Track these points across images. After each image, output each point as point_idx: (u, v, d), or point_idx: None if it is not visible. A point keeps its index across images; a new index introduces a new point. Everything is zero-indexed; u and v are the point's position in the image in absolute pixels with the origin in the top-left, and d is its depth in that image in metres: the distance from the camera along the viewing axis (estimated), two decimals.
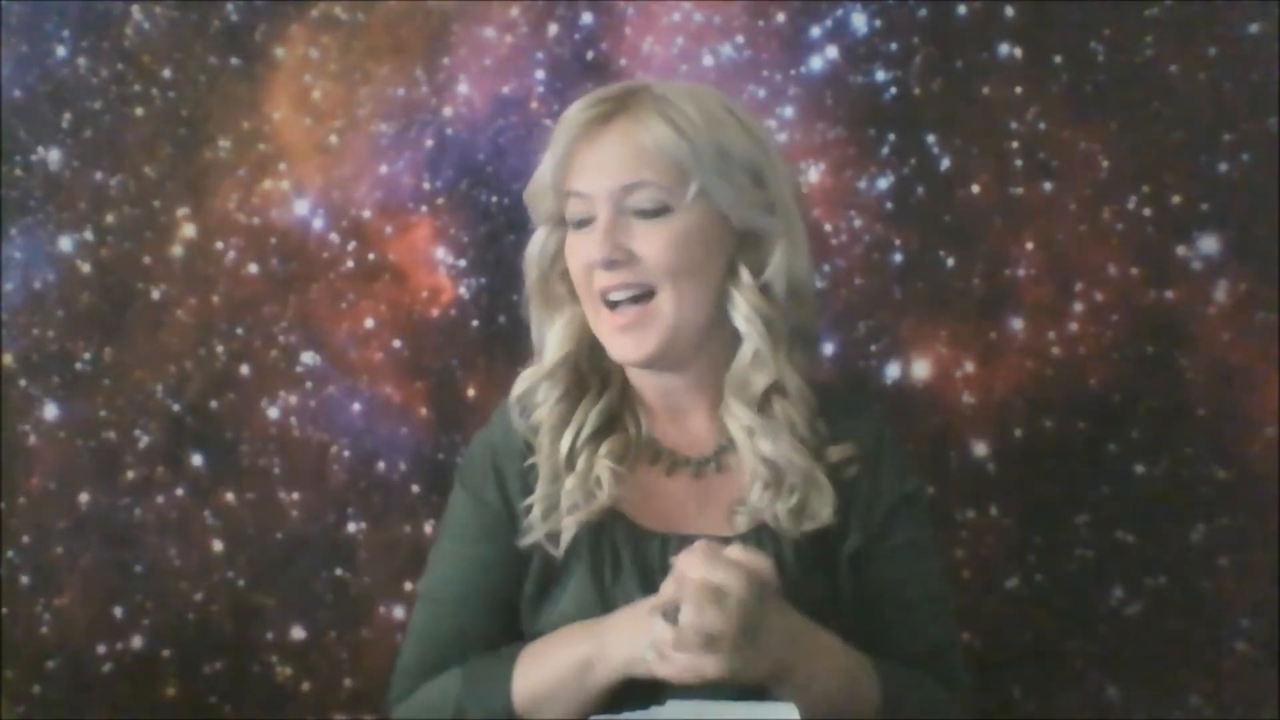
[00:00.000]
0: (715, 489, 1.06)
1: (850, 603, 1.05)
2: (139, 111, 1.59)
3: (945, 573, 1.13)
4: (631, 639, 0.95)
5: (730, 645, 0.87)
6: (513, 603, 1.07)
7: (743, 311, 1.03)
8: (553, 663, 1.00)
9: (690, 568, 0.89)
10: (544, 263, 1.08)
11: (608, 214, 1.00)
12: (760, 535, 1.03)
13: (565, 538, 1.03)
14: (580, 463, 1.04)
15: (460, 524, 1.10)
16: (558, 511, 1.04)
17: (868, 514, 1.05)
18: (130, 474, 1.60)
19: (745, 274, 1.03)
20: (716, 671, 0.88)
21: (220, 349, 1.59)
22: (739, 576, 0.88)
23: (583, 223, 1.03)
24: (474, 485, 1.10)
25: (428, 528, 1.56)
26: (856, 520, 1.04)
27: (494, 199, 1.53)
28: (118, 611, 1.61)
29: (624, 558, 1.03)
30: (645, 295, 1.01)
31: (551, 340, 1.08)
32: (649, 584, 1.00)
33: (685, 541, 0.96)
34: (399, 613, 1.57)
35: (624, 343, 1.02)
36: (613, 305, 1.02)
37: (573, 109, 1.04)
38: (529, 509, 1.05)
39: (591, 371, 1.07)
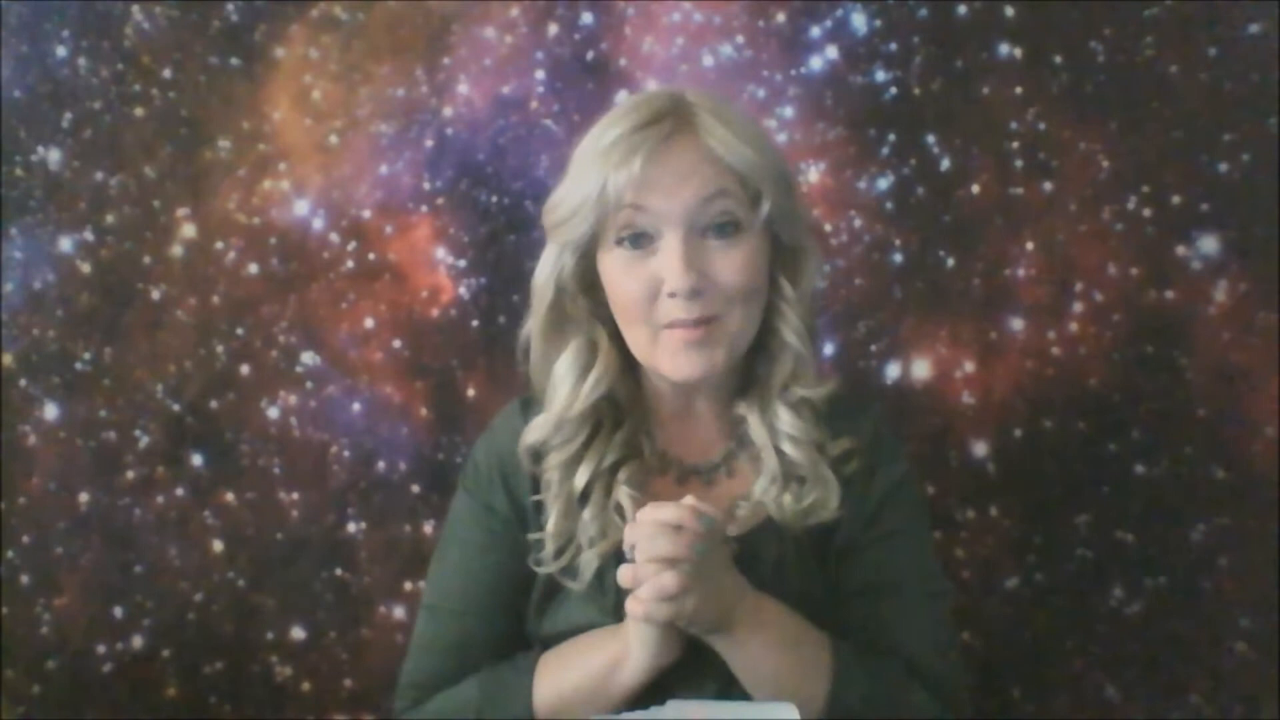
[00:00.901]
0: (725, 494, 1.06)
1: (840, 596, 1.04)
2: (139, 111, 1.59)
3: (939, 572, 1.11)
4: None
5: (688, 576, 0.90)
6: (520, 609, 1.07)
7: (792, 325, 1.02)
8: (577, 667, 1.00)
9: (644, 511, 0.92)
10: (561, 283, 1.02)
11: (682, 235, 0.96)
12: (764, 532, 1.03)
13: (587, 573, 1.02)
14: (595, 494, 1.02)
15: (466, 532, 1.09)
16: (573, 545, 1.02)
17: (859, 505, 1.04)
18: (130, 474, 1.60)
19: (787, 287, 1.03)
20: (677, 598, 0.90)
21: (220, 349, 1.59)
22: (686, 511, 0.91)
23: (637, 241, 0.98)
24: (480, 492, 1.08)
25: (428, 528, 1.56)
26: (849, 513, 1.04)
27: (494, 199, 1.53)
28: (118, 611, 1.61)
29: None
30: (712, 316, 0.98)
31: (564, 378, 1.03)
32: None
33: None
34: (399, 613, 1.57)
35: (691, 360, 0.98)
36: (673, 324, 0.98)
37: (623, 125, 0.97)
38: (540, 543, 1.04)
39: (608, 404, 1.04)
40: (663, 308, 0.97)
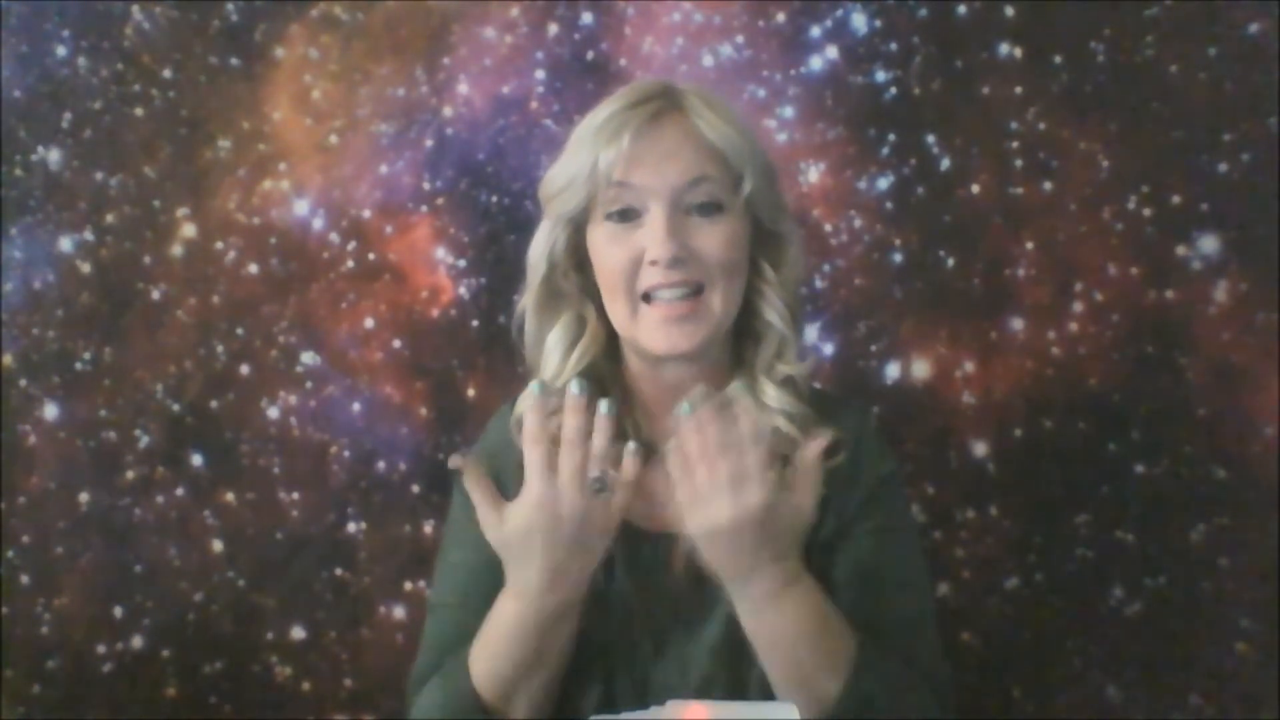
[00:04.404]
0: None
1: (828, 591, 1.03)
2: (139, 111, 1.59)
3: (926, 569, 1.10)
4: (531, 563, 0.96)
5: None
6: None
7: (774, 306, 1.05)
8: (491, 633, 1.00)
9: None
10: (554, 258, 1.05)
11: (667, 210, 0.99)
12: None
13: None
14: None
15: (461, 530, 1.09)
16: None
17: (845, 500, 1.04)
18: (130, 474, 1.60)
19: (769, 270, 1.05)
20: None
21: (220, 349, 1.59)
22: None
23: (625, 215, 1.00)
24: None
25: (428, 528, 1.56)
26: (834, 507, 1.04)
27: (494, 199, 1.54)
28: (118, 611, 1.61)
29: (618, 559, 1.03)
30: (694, 291, 1.00)
31: (553, 350, 1.06)
32: (643, 584, 1.02)
33: (680, 540, 0.97)
34: (399, 613, 1.57)
35: (673, 334, 1.00)
36: (652, 298, 1.00)
37: (615, 105, 1.01)
38: None
39: (594, 384, 1.04)
40: (644, 276, 1.00)
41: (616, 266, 1.01)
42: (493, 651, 1.00)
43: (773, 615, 0.95)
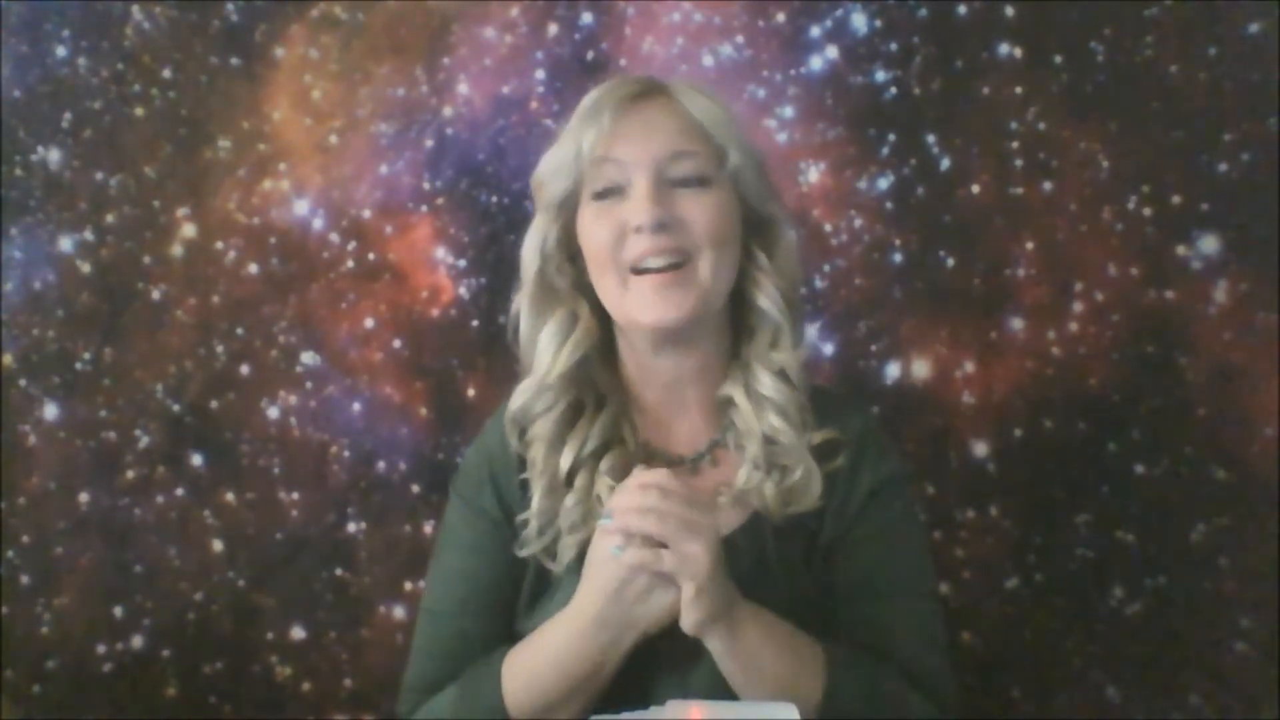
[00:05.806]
0: (709, 484, 1.05)
1: (825, 596, 1.03)
2: (139, 111, 1.59)
3: (931, 572, 1.10)
4: (603, 586, 0.96)
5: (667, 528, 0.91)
6: (511, 608, 1.07)
7: (766, 292, 1.04)
8: (546, 646, 0.99)
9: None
10: (546, 251, 1.05)
11: (650, 181, 0.99)
12: (746, 531, 1.03)
13: (565, 557, 1.02)
14: (579, 480, 1.03)
15: (456, 534, 1.09)
16: (554, 526, 1.03)
17: (845, 502, 1.04)
18: (130, 474, 1.60)
19: (762, 257, 1.05)
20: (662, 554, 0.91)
21: (220, 349, 1.59)
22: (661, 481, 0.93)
23: (610, 192, 1.00)
24: (469, 494, 1.09)
25: (428, 528, 1.56)
26: (834, 509, 1.03)
27: (494, 199, 1.54)
28: (118, 611, 1.61)
29: None
30: (681, 262, 0.99)
31: (546, 346, 1.05)
32: None
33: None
34: (399, 613, 1.57)
35: (660, 303, 0.99)
36: (643, 272, 1.00)
37: (602, 90, 1.02)
38: (526, 522, 1.04)
39: (589, 387, 1.05)
40: (630, 245, 0.99)
41: (602, 240, 1.00)
42: (532, 667, 0.99)
43: (743, 642, 0.94)
